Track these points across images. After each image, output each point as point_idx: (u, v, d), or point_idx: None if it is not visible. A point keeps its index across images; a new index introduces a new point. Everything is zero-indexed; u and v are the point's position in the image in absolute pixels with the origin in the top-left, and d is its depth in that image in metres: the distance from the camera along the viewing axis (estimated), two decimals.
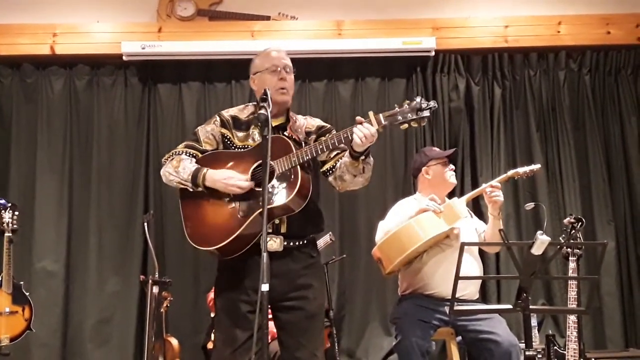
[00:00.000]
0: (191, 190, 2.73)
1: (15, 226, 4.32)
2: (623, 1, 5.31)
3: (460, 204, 3.50)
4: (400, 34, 5.13)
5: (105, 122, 5.22)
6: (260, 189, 2.56)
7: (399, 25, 5.20)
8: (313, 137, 2.84)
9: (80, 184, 5.15)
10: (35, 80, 5.22)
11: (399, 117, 2.58)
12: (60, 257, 5.02)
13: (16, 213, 4.35)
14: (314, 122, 2.92)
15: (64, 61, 5.22)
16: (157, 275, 4.18)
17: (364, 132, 2.55)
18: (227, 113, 2.89)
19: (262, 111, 2.48)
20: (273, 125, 2.73)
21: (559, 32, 5.24)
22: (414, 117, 2.58)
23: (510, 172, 3.66)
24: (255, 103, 2.89)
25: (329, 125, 2.93)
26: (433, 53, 5.15)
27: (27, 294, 4.36)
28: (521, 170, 3.64)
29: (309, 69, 5.08)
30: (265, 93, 2.54)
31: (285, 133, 2.80)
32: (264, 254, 2.29)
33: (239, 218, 2.63)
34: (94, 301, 5.00)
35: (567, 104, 5.30)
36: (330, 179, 2.82)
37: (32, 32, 5.14)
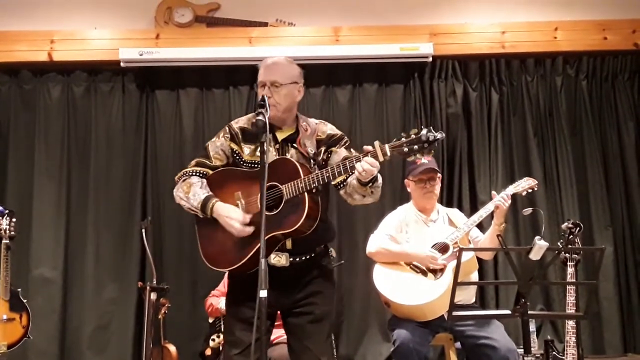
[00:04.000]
0: (201, 217, 2.77)
1: (12, 233, 4.30)
2: (619, 7, 5.33)
3: (470, 256, 3.56)
4: (398, 40, 5.14)
5: (103, 129, 5.22)
6: (271, 213, 2.63)
7: (396, 31, 5.22)
8: (323, 148, 2.84)
9: (78, 190, 5.15)
10: (33, 87, 5.22)
11: (405, 149, 2.55)
12: (58, 263, 5.01)
13: (14, 220, 4.33)
14: (326, 129, 2.90)
15: (61, 68, 5.22)
16: (154, 282, 4.18)
17: (364, 167, 2.55)
18: (237, 124, 2.87)
19: (260, 117, 2.48)
20: (281, 137, 2.79)
21: (555, 37, 5.26)
22: (420, 148, 2.54)
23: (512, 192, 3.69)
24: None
25: (340, 134, 2.91)
26: (430, 59, 5.16)
27: (25, 301, 4.34)
28: (520, 188, 3.71)
29: (307, 74, 4.97)
30: (262, 99, 2.55)
31: (294, 145, 2.80)
32: (262, 260, 2.30)
33: (251, 241, 2.66)
34: (91, 308, 4.99)
35: (564, 110, 5.31)
36: (342, 192, 2.84)
37: (30, 39, 5.14)
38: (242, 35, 5.20)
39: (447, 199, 5.05)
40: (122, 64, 5.05)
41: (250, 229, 2.66)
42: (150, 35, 5.18)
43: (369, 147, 2.59)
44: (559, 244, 3.79)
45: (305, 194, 2.61)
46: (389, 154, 2.56)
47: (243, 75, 5.18)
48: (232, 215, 2.69)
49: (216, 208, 2.72)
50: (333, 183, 2.82)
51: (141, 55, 5.00)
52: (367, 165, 2.55)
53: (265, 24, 5.26)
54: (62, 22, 5.23)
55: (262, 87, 2.81)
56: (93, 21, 5.26)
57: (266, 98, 2.57)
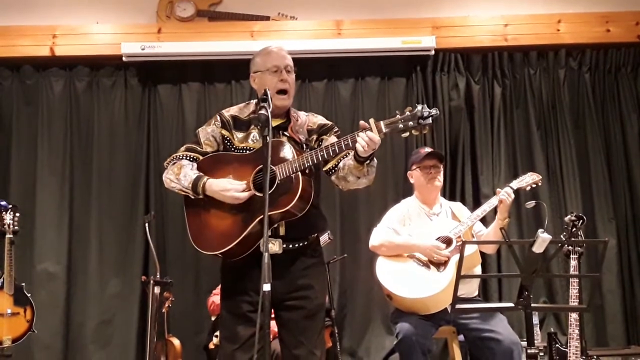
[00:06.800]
0: (192, 197, 2.74)
1: (16, 228, 4.33)
2: None
3: (473, 250, 3.55)
4: (400, 33, 5.12)
5: (105, 124, 5.22)
6: (262, 194, 2.57)
7: (398, 24, 5.20)
8: (314, 137, 2.84)
9: (80, 185, 5.16)
10: (35, 82, 5.22)
11: (400, 125, 2.55)
12: (62, 258, 5.02)
13: (17, 215, 4.36)
14: (316, 120, 2.91)
15: (63, 63, 5.22)
16: (158, 276, 4.18)
17: (366, 139, 2.53)
18: (228, 113, 2.88)
19: (262, 112, 2.47)
20: (273, 125, 2.74)
21: (558, 30, 5.24)
22: (415, 124, 2.55)
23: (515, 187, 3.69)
24: (256, 101, 2.88)
25: (330, 123, 2.92)
26: (433, 52, 5.15)
27: (29, 295, 4.37)
28: (524, 183, 3.71)
29: (309, 68, 5.08)
30: (265, 93, 2.54)
31: (285, 133, 2.79)
32: (266, 254, 2.30)
33: (242, 223, 2.64)
34: (95, 302, 5.00)
35: (567, 102, 5.30)
36: (333, 178, 2.82)
37: (32, 34, 5.14)
38: (244, 29, 5.19)
39: (450, 193, 5.04)
40: (124, 59, 5.05)
41: (249, 193, 2.64)
42: (152, 30, 5.18)
43: (365, 124, 2.58)
44: (562, 236, 3.78)
45: (299, 174, 2.60)
46: (384, 130, 2.56)
47: (245, 69, 5.05)
48: (228, 187, 2.66)
49: (209, 185, 2.69)
50: (325, 169, 2.81)
51: (143, 49, 5.00)
52: (368, 139, 2.53)
53: (267, 18, 5.26)
54: (64, 17, 5.23)
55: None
56: (95, 16, 5.25)
57: (269, 92, 2.55)
